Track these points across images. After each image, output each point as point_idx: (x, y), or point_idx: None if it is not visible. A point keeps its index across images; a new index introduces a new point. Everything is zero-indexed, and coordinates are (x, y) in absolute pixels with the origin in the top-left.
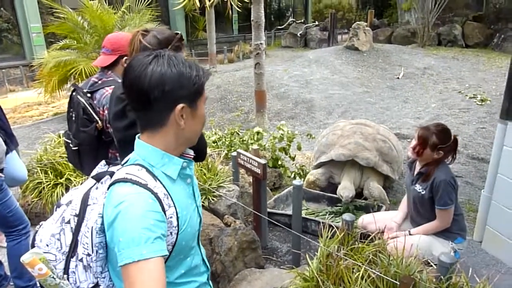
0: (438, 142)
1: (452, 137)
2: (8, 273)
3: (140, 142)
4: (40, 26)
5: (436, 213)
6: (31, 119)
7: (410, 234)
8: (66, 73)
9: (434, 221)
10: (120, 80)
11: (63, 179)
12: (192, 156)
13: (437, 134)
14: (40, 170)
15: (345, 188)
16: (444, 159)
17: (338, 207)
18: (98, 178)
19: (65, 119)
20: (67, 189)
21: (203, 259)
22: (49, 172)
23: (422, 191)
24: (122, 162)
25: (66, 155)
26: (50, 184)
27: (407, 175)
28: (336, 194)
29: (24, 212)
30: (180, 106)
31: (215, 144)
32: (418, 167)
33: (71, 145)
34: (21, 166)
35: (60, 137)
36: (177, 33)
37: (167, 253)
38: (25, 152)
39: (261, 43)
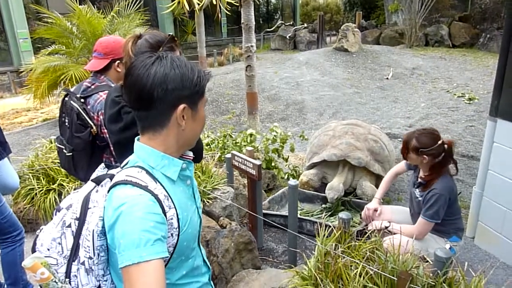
0: (418, 146)
1: (440, 141)
2: (2, 280)
3: (139, 144)
4: (27, 31)
5: (418, 219)
6: (20, 125)
7: (386, 227)
8: (56, 79)
9: (413, 227)
10: (113, 84)
11: (56, 184)
12: (192, 158)
13: (417, 138)
14: (32, 176)
15: (331, 189)
16: (442, 168)
17: (330, 203)
18: (98, 181)
19: (55, 125)
20: (59, 195)
21: (204, 260)
22: (41, 178)
23: (419, 197)
24: (122, 165)
25: (58, 161)
26: (42, 190)
27: (411, 174)
28: None
29: None
30: (181, 106)
31: (208, 146)
32: (421, 172)
33: (64, 150)
34: (13, 173)
35: (52, 143)
36: (169, 35)
37: (168, 255)
38: (16, 159)
39: (251, 45)
